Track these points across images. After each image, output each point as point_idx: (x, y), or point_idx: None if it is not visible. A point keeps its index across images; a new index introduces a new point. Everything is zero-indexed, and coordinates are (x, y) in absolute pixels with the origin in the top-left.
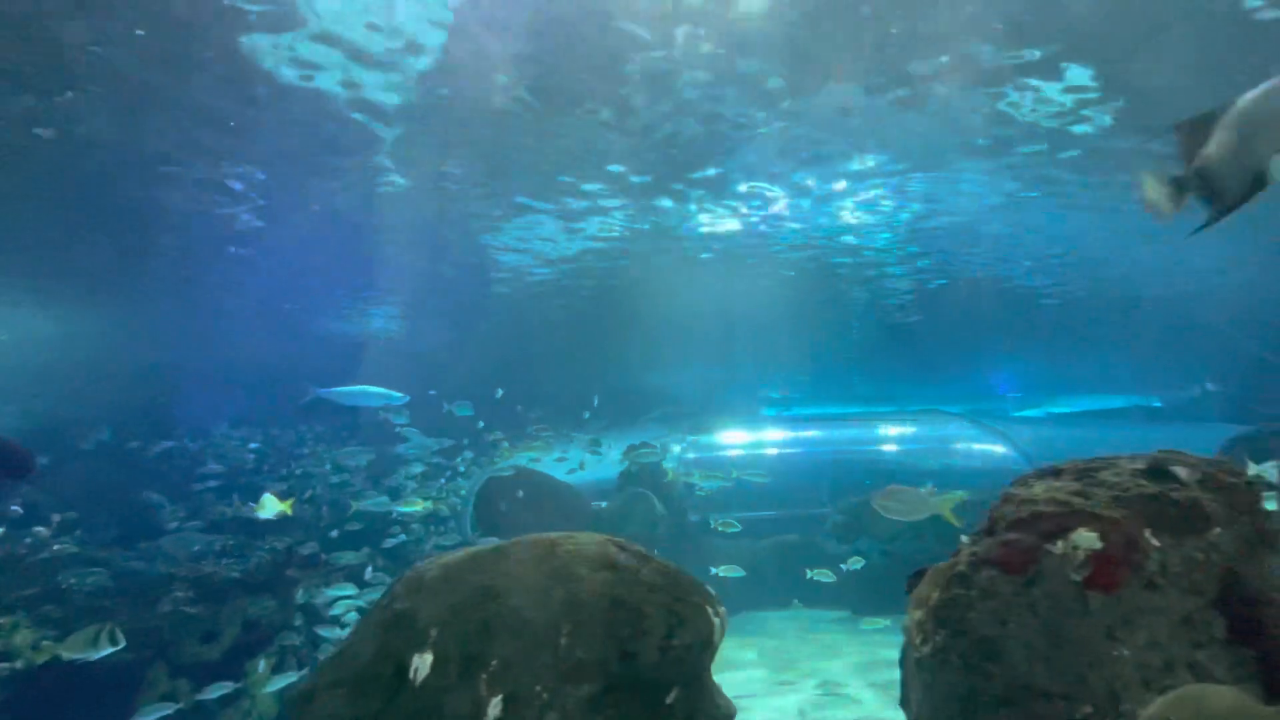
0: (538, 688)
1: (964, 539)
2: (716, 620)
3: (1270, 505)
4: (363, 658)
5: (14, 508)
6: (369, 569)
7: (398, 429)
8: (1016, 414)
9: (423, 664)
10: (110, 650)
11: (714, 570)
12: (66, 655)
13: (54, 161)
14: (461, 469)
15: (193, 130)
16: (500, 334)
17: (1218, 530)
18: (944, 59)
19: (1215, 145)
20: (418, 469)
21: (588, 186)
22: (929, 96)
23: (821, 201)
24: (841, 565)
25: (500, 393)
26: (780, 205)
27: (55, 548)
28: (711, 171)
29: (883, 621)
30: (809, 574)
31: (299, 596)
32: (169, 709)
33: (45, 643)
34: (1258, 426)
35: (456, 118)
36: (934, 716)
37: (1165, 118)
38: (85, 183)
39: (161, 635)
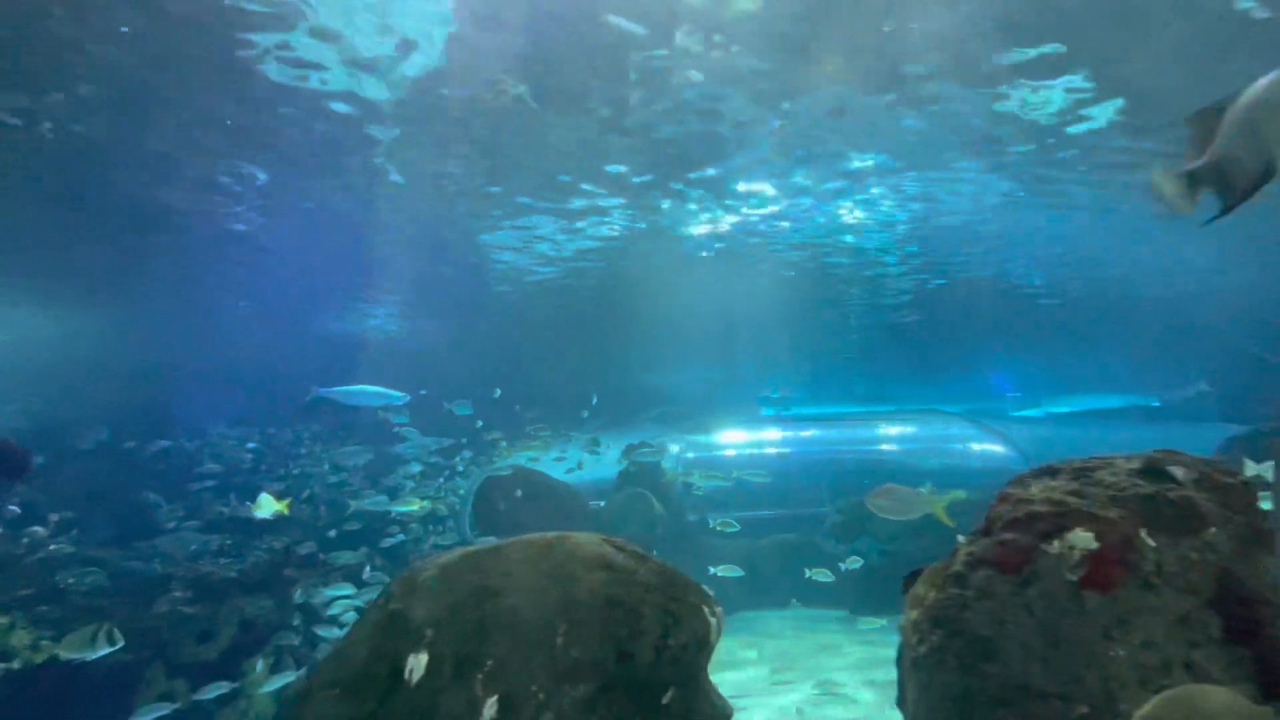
0: (533, 688)
1: (961, 539)
2: (713, 620)
3: (1266, 505)
4: (358, 658)
5: (11, 507)
6: (367, 569)
7: (396, 428)
8: (1015, 414)
9: (418, 664)
10: (108, 650)
11: (712, 570)
12: (64, 655)
13: (52, 161)
14: (460, 468)
15: (192, 130)
16: (499, 333)
17: (1214, 530)
18: (941, 59)
19: (1225, 136)
20: (415, 468)
21: (586, 186)
22: (926, 96)
23: (820, 201)
24: (840, 565)
25: (498, 392)
26: (778, 205)
27: (51, 547)
28: (710, 171)
29: (881, 621)
30: (807, 574)
31: (297, 596)
32: (166, 709)
33: (44, 643)
34: (1255, 426)
35: (455, 118)
36: (930, 717)
37: (1163, 117)
38: (83, 182)
39: (159, 635)
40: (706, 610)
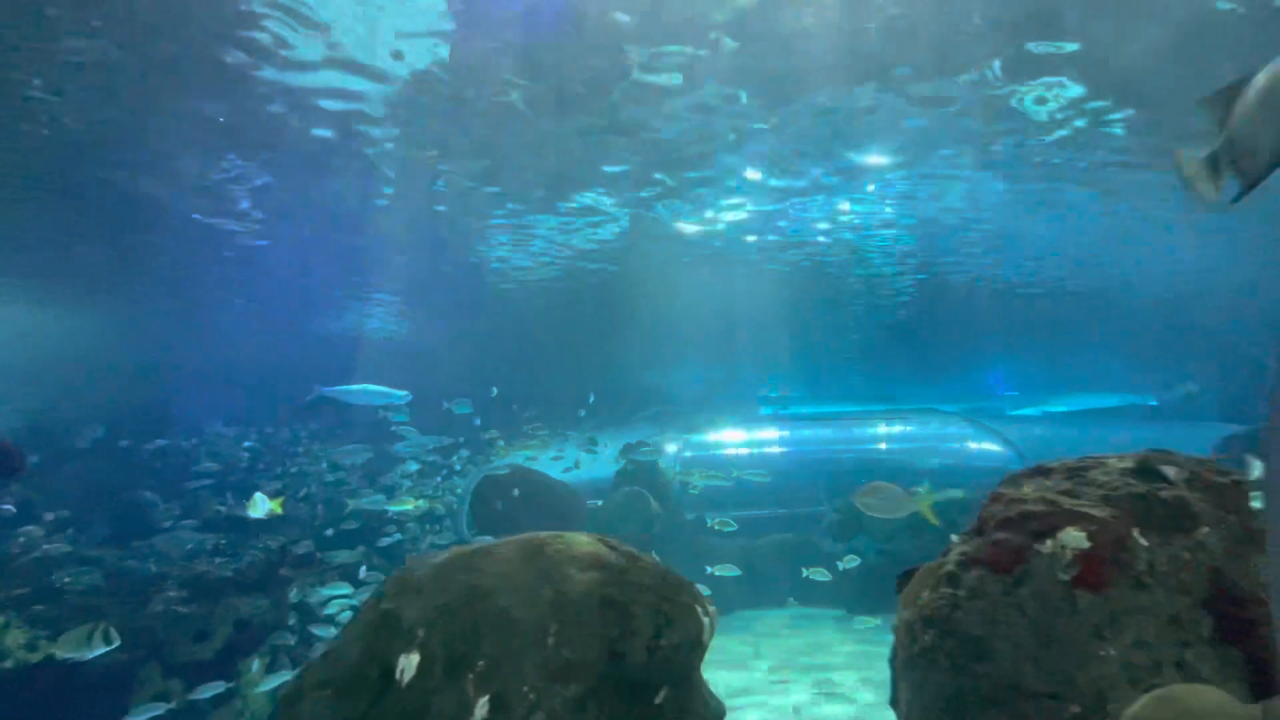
0: (525, 688)
1: (954, 538)
2: (706, 620)
3: (1258, 504)
4: (350, 658)
5: (6, 506)
6: (363, 568)
7: (394, 427)
8: (1013, 413)
9: (409, 664)
10: (104, 649)
11: (710, 569)
12: (60, 654)
13: (48, 159)
14: (457, 467)
15: (189, 130)
16: (497, 333)
17: (1205, 529)
18: (940, 57)
19: (1241, 115)
20: (412, 467)
21: (584, 185)
22: (925, 95)
23: (817, 200)
24: (838, 564)
25: (495, 391)
26: (776, 204)
27: (45, 547)
28: (708, 170)
29: (878, 620)
30: (805, 573)
31: (293, 595)
32: (161, 709)
33: (39, 642)
34: (1252, 425)
35: (452, 118)
36: (923, 716)
37: (1161, 118)
38: (80, 181)
39: (154, 634)
40: (699, 610)
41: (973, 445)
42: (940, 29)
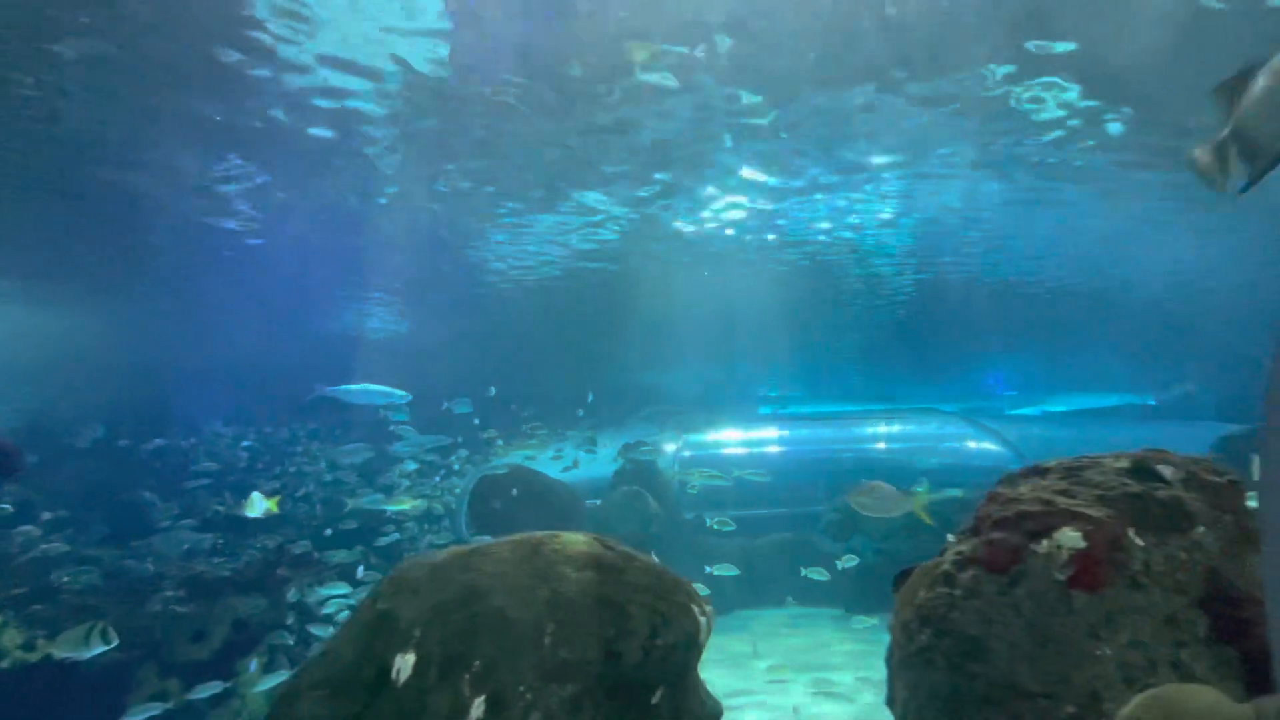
0: (521, 688)
1: (950, 538)
2: (702, 619)
3: (1253, 504)
4: (345, 658)
5: (3, 505)
6: (360, 568)
7: (392, 427)
8: (1012, 412)
9: (405, 664)
10: (102, 649)
11: (708, 569)
12: (58, 654)
13: (48, 160)
14: (456, 467)
15: (189, 130)
16: (496, 332)
17: (1201, 529)
18: (940, 56)
19: (1249, 102)
20: (411, 466)
21: (582, 185)
22: (924, 94)
23: (816, 200)
24: (836, 563)
25: (493, 391)
26: (775, 203)
27: (44, 546)
28: (707, 170)
29: (876, 619)
30: (803, 572)
31: (291, 595)
32: (158, 709)
33: (37, 641)
34: (1250, 425)
35: (452, 119)
36: (919, 716)
37: (1160, 118)
38: (79, 181)
39: (151, 634)
40: (696, 609)
41: (971, 445)
42: (938, 28)
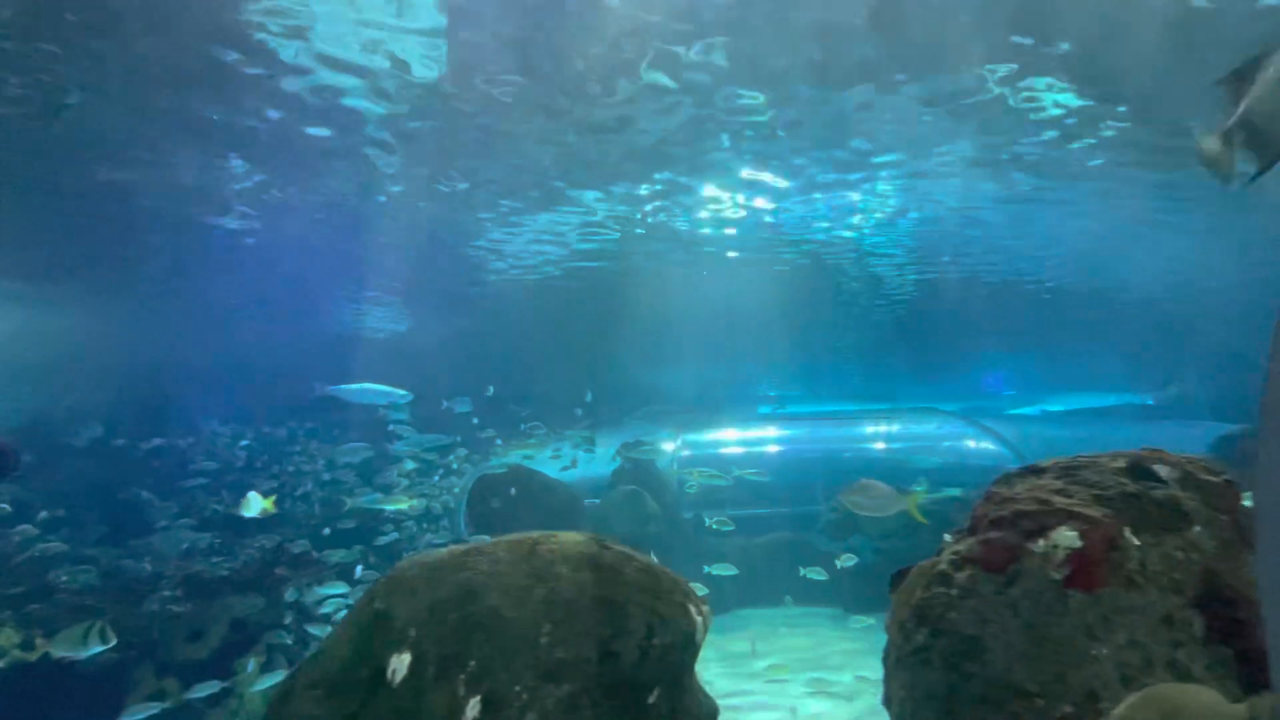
0: (517, 688)
1: (947, 537)
2: (699, 619)
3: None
4: (341, 658)
5: (1, 505)
6: (359, 567)
7: (391, 426)
8: (1011, 412)
9: (400, 664)
10: (100, 648)
11: (707, 568)
12: (56, 653)
13: (46, 159)
14: (454, 466)
15: (187, 129)
16: (494, 332)
17: (1197, 529)
18: (939, 53)
19: (1257, 92)
20: (408, 466)
21: (582, 184)
22: (922, 92)
23: (815, 199)
24: (835, 563)
25: (491, 390)
26: (773, 201)
27: (40, 546)
28: (705, 169)
29: (874, 618)
30: (802, 572)
31: (289, 594)
32: (156, 708)
33: (35, 640)
34: (1246, 424)
35: (450, 118)
36: (915, 715)
37: (1157, 118)
38: (77, 181)
39: (149, 634)
40: (692, 609)
41: (971, 444)
42: (936, 28)
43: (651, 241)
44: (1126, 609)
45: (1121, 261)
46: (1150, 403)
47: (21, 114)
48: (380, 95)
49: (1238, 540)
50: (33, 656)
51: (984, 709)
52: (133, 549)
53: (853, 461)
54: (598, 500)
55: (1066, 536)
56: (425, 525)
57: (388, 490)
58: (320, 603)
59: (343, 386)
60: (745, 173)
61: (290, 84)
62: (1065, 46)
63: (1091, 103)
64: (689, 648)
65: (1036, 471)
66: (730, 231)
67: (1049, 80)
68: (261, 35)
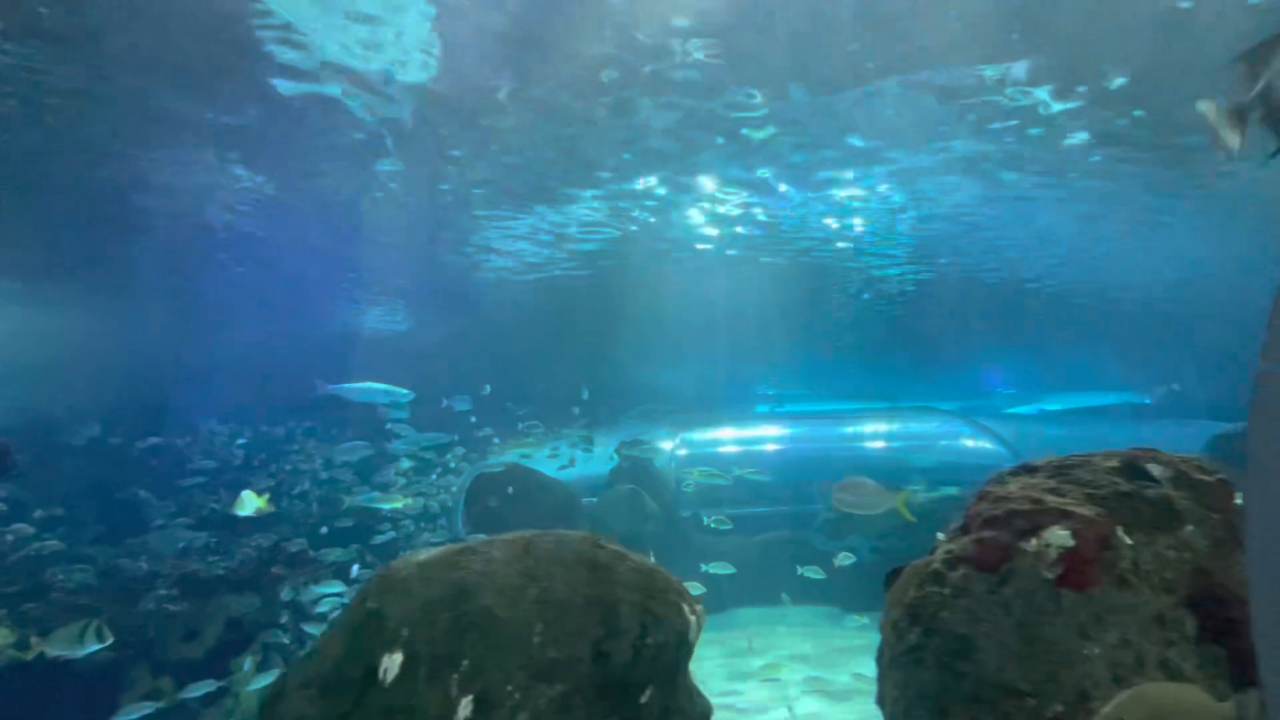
0: (509, 687)
1: (940, 536)
2: (693, 618)
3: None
4: (334, 657)
5: None
6: (355, 566)
7: (389, 425)
8: (1009, 411)
9: (393, 664)
10: (97, 647)
11: (704, 567)
12: (52, 652)
13: (44, 159)
14: (452, 465)
15: (186, 129)
16: (493, 331)
17: (1190, 528)
18: (938, 52)
19: (1275, 69)
20: (405, 465)
21: (580, 183)
22: (921, 90)
23: (814, 197)
24: (832, 561)
25: (488, 389)
26: (771, 200)
27: (36, 545)
28: (703, 167)
29: (871, 617)
30: (799, 570)
31: (285, 594)
32: (151, 708)
33: (31, 639)
34: (1241, 424)
35: (448, 119)
36: (908, 714)
37: (1154, 119)
38: (76, 180)
39: (145, 633)
40: (686, 608)
41: (969, 443)
42: (935, 29)
43: (648, 240)
44: (1119, 608)
45: (1119, 261)
46: (1148, 402)
47: (20, 114)
48: (378, 96)
49: (1230, 539)
50: (29, 655)
51: (976, 708)
52: (129, 548)
53: (850, 460)
54: (595, 499)
55: (1059, 536)
56: (423, 524)
57: (386, 489)
58: (317, 602)
59: (344, 385)
60: (742, 171)
61: (289, 85)
62: (1063, 47)
63: (1086, 102)
64: (682, 647)
65: (1030, 470)
66: (727, 230)
67: (1045, 79)
68: (260, 36)
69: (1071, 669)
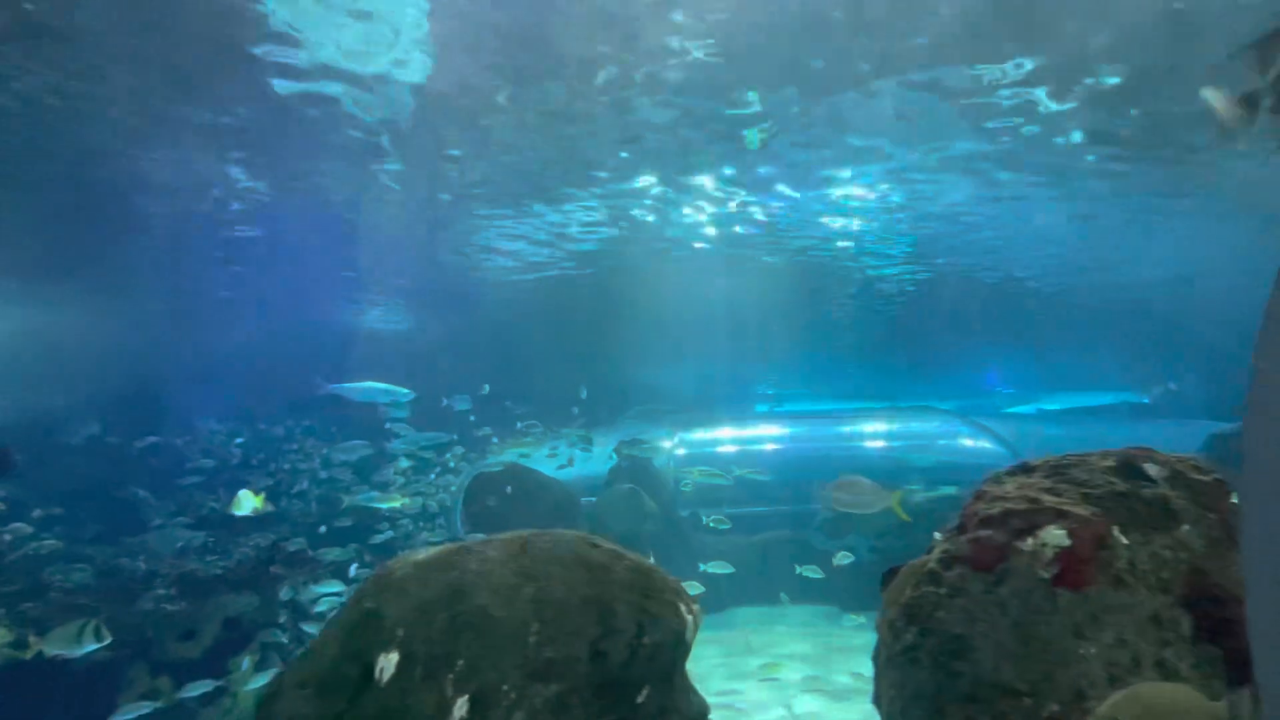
0: (505, 687)
1: (937, 535)
2: (689, 618)
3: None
4: (328, 657)
5: None
6: (354, 565)
7: (389, 424)
8: (1008, 410)
9: (388, 664)
10: (95, 646)
11: (703, 566)
12: (49, 651)
13: (43, 158)
14: (451, 464)
15: (185, 128)
16: (491, 330)
17: (1186, 527)
18: (938, 51)
19: None
20: (403, 464)
21: (578, 183)
22: (919, 90)
23: (813, 196)
24: (832, 560)
25: (486, 388)
26: (770, 200)
27: (34, 544)
28: (702, 166)
29: (869, 616)
30: (798, 570)
31: (284, 593)
32: (148, 707)
33: (31, 638)
34: (1239, 423)
35: (447, 119)
36: (904, 714)
37: (1152, 120)
38: (75, 180)
39: (143, 632)
40: (683, 608)
41: (968, 443)
42: (934, 29)
43: (647, 239)
44: (1115, 608)
45: (1117, 260)
46: (1146, 402)
47: (18, 114)
48: (375, 95)
49: (1226, 539)
50: (26, 655)
51: (972, 708)
52: (127, 547)
53: (849, 460)
54: (594, 499)
55: (1055, 535)
56: (422, 524)
57: (385, 488)
58: (315, 601)
59: (346, 385)
60: (741, 170)
61: (289, 86)
62: (1060, 46)
63: (1083, 102)
64: (679, 646)
65: (1027, 470)
66: (726, 229)
67: (1042, 79)
68: (259, 37)
69: (1067, 669)
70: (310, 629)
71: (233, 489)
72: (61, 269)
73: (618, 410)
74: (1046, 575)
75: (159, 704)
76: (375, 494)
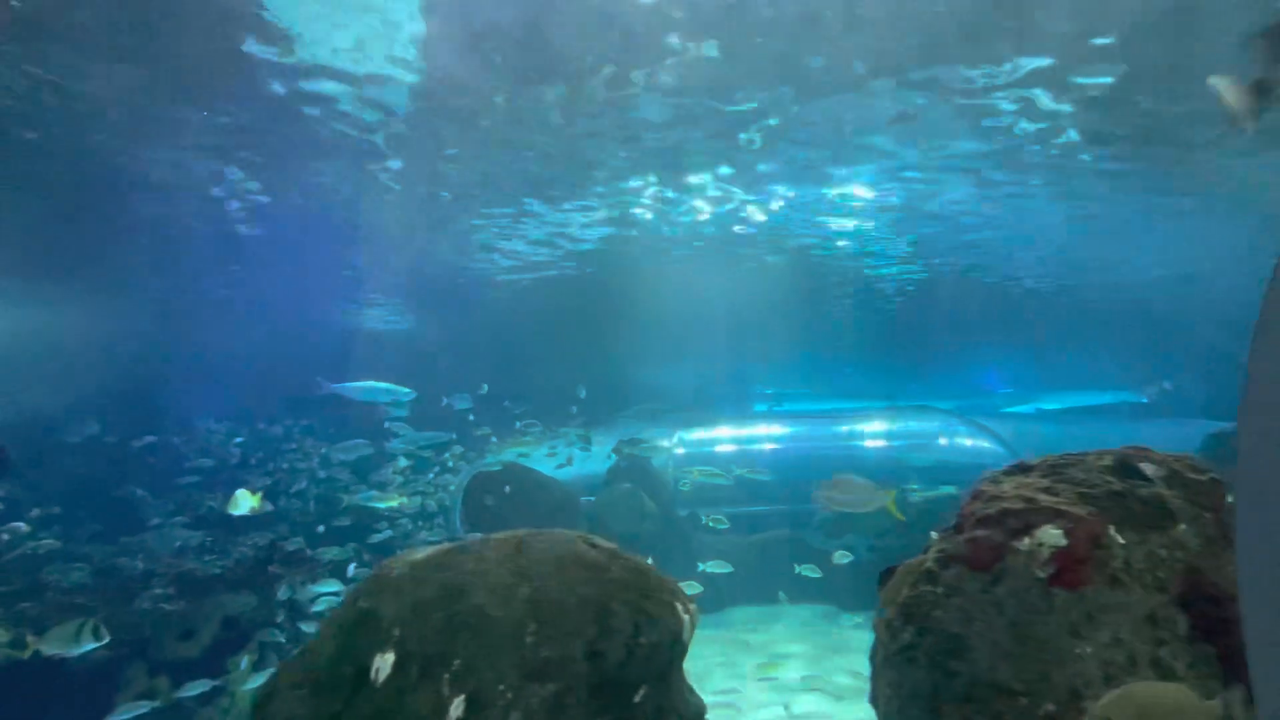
0: (501, 687)
1: (934, 535)
2: (686, 617)
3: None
4: (325, 657)
5: None
6: (352, 565)
7: (388, 424)
8: (1007, 410)
9: (384, 664)
10: (93, 645)
11: (701, 566)
12: (48, 650)
13: (43, 158)
14: (450, 464)
15: (184, 128)
16: (490, 330)
17: (1182, 527)
18: (937, 51)
19: None
20: (402, 463)
21: (578, 183)
22: (919, 90)
23: (812, 196)
24: (831, 560)
25: (485, 388)
26: (769, 199)
27: (32, 544)
28: (701, 166)
29: (868, 616)
30: (797, 569)
31: (282, 593)
32: (146, 707)
33: (29, 638)
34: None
35: (445, 119)
36: (901, 714)
37: (1152, 122)
38: (75, 180)
39: (141, 632)
40: (680, 607)
41: (966, 442)
42: (933, 29)
43: (646, 238)
44: (1111, 607)
45: (1115, 259)
46: (1144, 401)
47: (17, 114)
48: (376, 98)
49: (1222, 538)
50: (24, 654)
51: (969, 707)
52: (126, 546)
53: (848, 459)
54: (593, 498)
55: (1051, 535)
56: (420, 523)
57: (384, 488)
58: (314, 600)
59: (347, 384)
60: (740, 170)
61: (288, 86)
62: (1059, 47)
63: (1081, 102)
64: (676, 646)
65: (1024, 469)
66: (725, 229)
67: (1040, 79)
68: (258, 38)
69: (1063, 668)
70: (308, 628)
71: (231, 488)
72: (61, 269)
73: (617, 410)
74: (1043, 575)
75: (157, 703)
76: (374, 493)
